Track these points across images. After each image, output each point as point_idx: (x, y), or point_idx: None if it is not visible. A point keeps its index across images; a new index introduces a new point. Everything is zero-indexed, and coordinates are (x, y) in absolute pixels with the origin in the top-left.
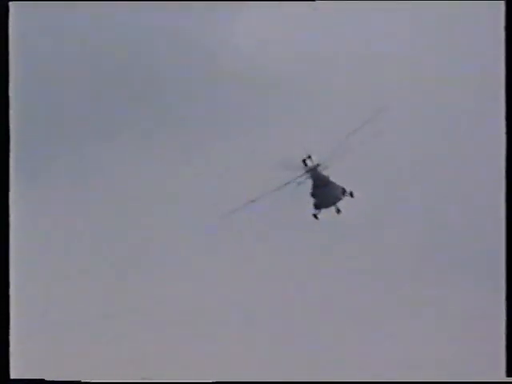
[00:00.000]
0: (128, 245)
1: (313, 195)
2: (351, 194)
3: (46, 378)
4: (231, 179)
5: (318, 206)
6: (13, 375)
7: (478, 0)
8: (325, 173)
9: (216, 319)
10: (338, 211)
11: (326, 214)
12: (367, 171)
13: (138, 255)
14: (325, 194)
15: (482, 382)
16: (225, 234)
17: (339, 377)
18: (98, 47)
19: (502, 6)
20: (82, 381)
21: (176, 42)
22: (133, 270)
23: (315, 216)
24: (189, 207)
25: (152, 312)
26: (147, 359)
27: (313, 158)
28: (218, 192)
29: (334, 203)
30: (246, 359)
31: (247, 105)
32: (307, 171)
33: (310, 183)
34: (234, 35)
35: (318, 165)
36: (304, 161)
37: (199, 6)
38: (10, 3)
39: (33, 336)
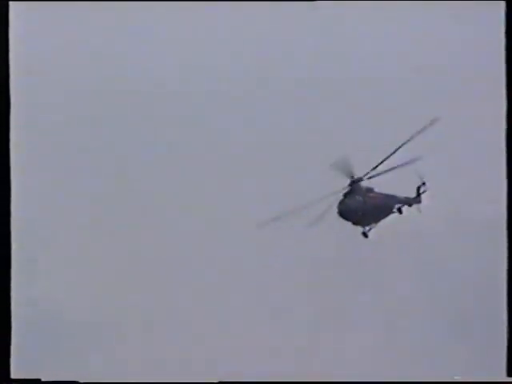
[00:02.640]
0: None
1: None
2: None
3: (47, 379)
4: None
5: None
6: (13, 375)
7: (478, 0)
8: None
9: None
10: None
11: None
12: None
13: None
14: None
15: (482, 382)
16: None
17: (341, 376)
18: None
19: (502, 5)
20: (83, 381)
21: None
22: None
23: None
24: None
25: (154, 315)
26: (148, 360)
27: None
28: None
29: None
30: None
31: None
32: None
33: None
34: None
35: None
36: (418, 189)
37: None
38: (11, 3)
39: (33, 336)
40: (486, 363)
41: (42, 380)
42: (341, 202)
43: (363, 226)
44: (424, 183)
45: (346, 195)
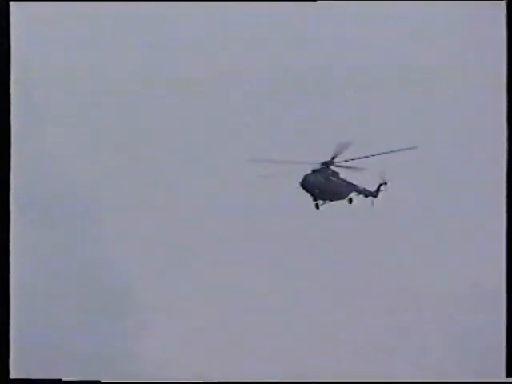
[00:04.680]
0: None
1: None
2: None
3: (46, 378)
4: None
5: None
6: (13, 375)
7: (478, 0)
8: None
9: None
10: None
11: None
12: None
13: None
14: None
15: (482, 382)
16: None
17: (340, 376)
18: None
19: (503, 5)
20: (83, 380)
21: None
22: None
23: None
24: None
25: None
26: (148, 359)
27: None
28: None
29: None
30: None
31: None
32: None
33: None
34: None
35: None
36: (380, 186)
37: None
38: (11, 3)
39: (33, 336)
40: (486, 363)
41: (42, 380)
42: (305, 176)
43: (319, 199)
44: (386, 183)
45: (313, 171)
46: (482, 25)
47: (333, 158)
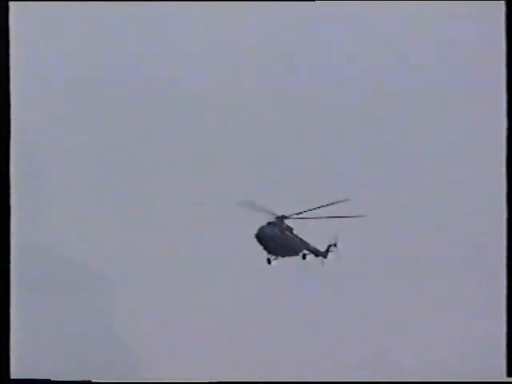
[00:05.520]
0: None
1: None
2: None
3: (46, 378)
4: None
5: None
6: (13, 375)
7: (478, 0)
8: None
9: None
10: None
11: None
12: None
13: None
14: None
15: (482, 382)
16: None
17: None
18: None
19: (502, 5)
20: (83, 380)
21: None
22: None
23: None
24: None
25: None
26: (148, 359)
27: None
28: None
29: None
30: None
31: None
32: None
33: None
34: None
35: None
36: (329, 247)
37: None
38: (10, 3)
39: (33, 336)
40: (486, 363)
41: (43, 380)
42: (262, 228)
43: (272, 254)
44: (335, 245)
45: (268, 223)
46: (481, 25)
47: (298, 213)
